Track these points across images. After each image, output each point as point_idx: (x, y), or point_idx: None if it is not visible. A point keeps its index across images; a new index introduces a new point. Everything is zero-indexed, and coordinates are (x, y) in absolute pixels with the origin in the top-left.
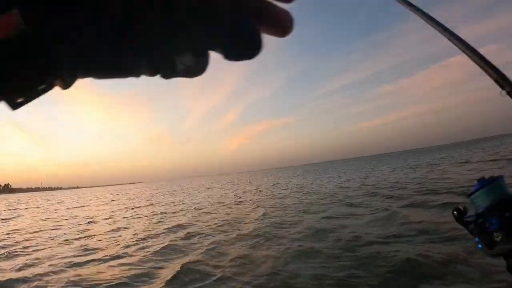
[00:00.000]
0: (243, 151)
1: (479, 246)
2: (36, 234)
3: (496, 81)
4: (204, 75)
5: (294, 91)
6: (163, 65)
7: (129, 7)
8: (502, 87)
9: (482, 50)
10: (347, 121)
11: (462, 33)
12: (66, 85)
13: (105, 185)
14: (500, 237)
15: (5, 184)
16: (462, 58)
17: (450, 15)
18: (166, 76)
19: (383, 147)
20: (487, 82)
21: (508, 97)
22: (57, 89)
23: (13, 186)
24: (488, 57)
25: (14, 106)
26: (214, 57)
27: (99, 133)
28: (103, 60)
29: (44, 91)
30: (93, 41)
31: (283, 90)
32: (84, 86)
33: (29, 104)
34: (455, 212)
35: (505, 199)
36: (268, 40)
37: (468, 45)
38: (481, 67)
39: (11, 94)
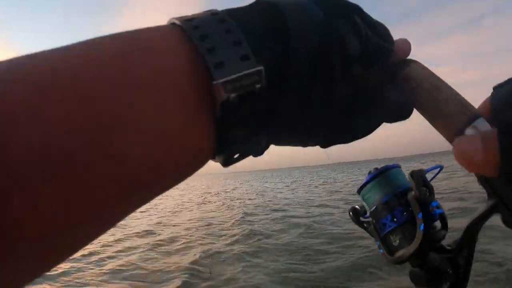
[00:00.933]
0: None
1: (380, 251)
2: None
3: None
4: None
5: None
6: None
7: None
8: None
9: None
10: None
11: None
12: (260, 152)
13: None
14: (397, 240)
15: None
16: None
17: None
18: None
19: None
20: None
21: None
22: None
23: None
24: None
25: (229, 162)
26: None
27: None
28: (296, 132)
29: (258, 153)
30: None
31: None
32: None
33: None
34: (351, 213)
35: (398, 192)
36: None
37: None
38: None
39: (237, 152)
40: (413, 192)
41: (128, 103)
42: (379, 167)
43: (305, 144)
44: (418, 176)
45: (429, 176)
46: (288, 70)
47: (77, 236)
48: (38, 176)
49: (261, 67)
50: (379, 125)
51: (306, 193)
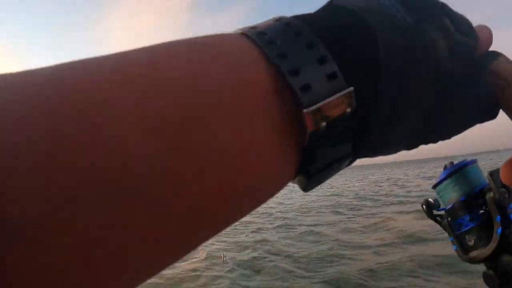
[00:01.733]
0: None
1: (453, 247)
2: None
3: None
4: None
5: None
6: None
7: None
8: None
9: None
10: None
11: None
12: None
13: None
14: (472, 241)
15: None
16: None
17: None
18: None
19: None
20: None
21: None
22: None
23: None
24: None
25: (310, 187)
26: None
27: None
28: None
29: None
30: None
31: None
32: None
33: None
34: (423, 206)
35: (476, 191)
36: None
37: None
38: None
39: (320, 177)
40: (492, 194)
41: (229, 130)
42: (455, 162)
43: (386, 153)
44: (498, 176)
45: None
46: (377, 83)
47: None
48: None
49: (351, 88)
50: (467, 126)
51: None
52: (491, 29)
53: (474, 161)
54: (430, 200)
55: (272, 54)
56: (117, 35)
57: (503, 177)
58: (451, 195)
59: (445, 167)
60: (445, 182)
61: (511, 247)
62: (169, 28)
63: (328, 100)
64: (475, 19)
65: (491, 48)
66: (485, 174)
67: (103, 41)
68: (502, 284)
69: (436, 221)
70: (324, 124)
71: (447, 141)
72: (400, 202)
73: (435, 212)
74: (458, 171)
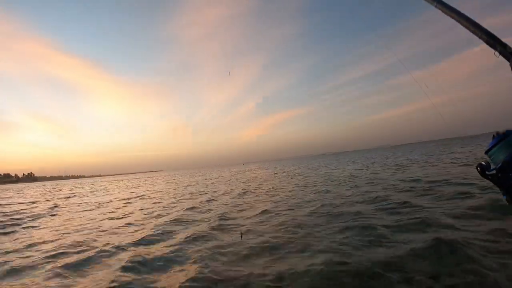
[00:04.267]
0: (260, 141)
1: (504, 196)
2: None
3: (487, 42)
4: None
5: (311, 82)
6: None
7: None
8: (494, 48)
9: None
10: (364, 111)
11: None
12: None
13: (126, 174)
14: None
15: (29, 173)
16: (479, 50)
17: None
18: None
19: (401, 138)
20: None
21: (501, 57)
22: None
23: (36, 175)
24: None
25: None
26: (228, 51)
27: (123, 123)
28: None
29: None
30: None
31: (300, 81)
32: (108, 77)
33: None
34: (478, 168)
35: None
36: (283, 32)
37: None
38: (471, 30)
39: None
40: None
41: None
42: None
43: None
44: None
45: None
46: None
47: None
48: None
49: None
50: None
51: None
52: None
53: None
54: (483, 163)
55: None
56: (189, 31)
57: None
58: (500, 157)
59: (493, 136)
60: (495, 147)
61: None
62: (241, 15)
63: None
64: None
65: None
66: None
67: (174, 40)
68: None
69: (488, 179)
70: None
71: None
72: None
73: (487, 172)
74: (505, 138)
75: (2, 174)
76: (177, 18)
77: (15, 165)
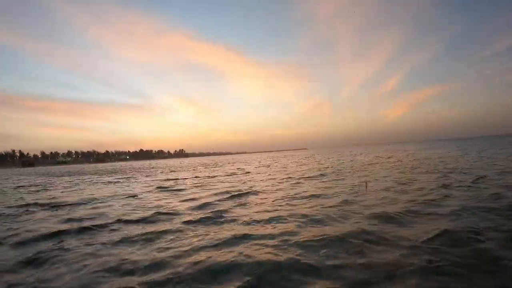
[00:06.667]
0: (405, 120)
1: None
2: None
3: None
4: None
5: (458, 53)
6: None
7: None
8: None
9: None
10: None
11: None
12: None
13: (270, 151)
14: None
15: (180, 150)
16: None
17: None
18: None
19: None
20: None
21: None
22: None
23: (186, 151)
24: None
25: None
26: (365, 25)
27: (261, 103)
28: None
29: None
30: None
31: (445, 52)
32: (244, 60)
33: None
34: None
35: None
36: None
37: None
38: None
39: None
40: None
41: None
42: None
43: None
44: None
45: None
46: None
47: None
48: None
49: None
50: None
51: None
52: None
53: None
54: None
55: None
56: (324, 8)
57: None
58: None
59: None
60: None
61: None
62: None
63: None
64: None
65: None
66: None
67: (309, 18)
68: None
69: None
70: None
71: None
72: None
73: None
74: None
75: (156, 151)
76: None
77: (168, 143)
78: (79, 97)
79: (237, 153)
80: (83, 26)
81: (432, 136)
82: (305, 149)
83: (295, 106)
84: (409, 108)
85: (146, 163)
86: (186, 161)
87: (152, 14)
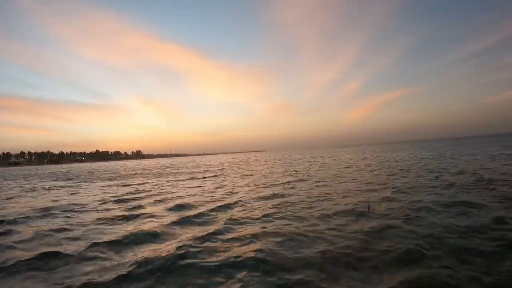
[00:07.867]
0: (365, 123)
1: None
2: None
3: None
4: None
5: (420, 58)
6: None
7: None
8: None
9: None
10: (486, 91)
11: None
12: None
13: (229, 153)
14: None
15: (137, 151)
16: None
17: None
18: None
19: None
20: None
21: None
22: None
23: (144, 153)
24: None
25: None
26: (328, 30)
27: (223, 105)
28: None
29: None
30: None
31: (407, 57)
32: (209, 62)
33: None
34: None
35: None
36: (384, 5)
37: None
38: None
39: None
40: None
41: None
42: None
43: None
44: None
45: None
46: None
47: None
48: None
49: None
50: None
51: None
52: None
53: None
54: None
55: None
56: (287, 13)
57: None
58: None
59: None
60: None
61: None
62: None
63: None
64: None
65: None
66: None
67: (272, 23)
68: None
69: None
70: None
71: None
72: None
73: None
74: None
75: (113, 152)
76: (273, 1)
77: (125, 144)
78: (37, 95)
79: (197, 154)
80: (44, 20)
81: (395, 138)
82: (263, 151)
83: (257, 109)
84: (372, 111)
85: (101, 165)
86: (143, 162)
87: (115, 12)
